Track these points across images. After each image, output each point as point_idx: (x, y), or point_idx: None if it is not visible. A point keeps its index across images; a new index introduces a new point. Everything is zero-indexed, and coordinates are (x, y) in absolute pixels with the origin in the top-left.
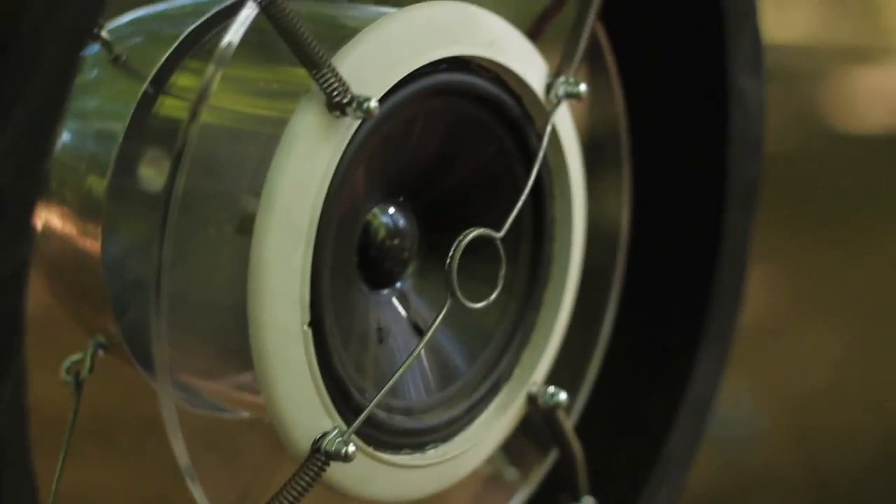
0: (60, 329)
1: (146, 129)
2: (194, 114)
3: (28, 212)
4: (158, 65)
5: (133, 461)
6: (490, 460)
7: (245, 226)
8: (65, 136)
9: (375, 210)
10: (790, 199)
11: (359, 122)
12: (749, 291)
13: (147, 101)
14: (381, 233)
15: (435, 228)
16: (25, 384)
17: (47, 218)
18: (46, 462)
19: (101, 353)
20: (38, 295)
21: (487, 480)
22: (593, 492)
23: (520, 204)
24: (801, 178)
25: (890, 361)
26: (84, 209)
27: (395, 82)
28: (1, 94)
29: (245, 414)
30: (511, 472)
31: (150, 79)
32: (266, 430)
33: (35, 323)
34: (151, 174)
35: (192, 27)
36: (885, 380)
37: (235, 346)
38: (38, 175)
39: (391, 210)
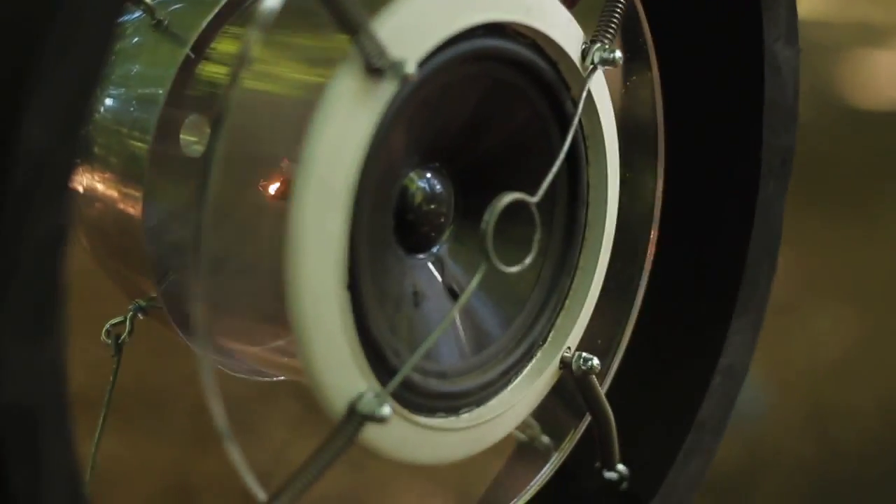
0: (81, 304)
1: (187, 93)
2: (234, 78)
3: (66, 175)
4: (200, 30)
5: (147, 434)
6: (524, 426)
7: (284, 190)
8: (108, 101)
9: (412, 175)
10: (802, 177)
11: (396, 86)
12: None
13: (188, 66)
14: (418, 197)
15: (471, 193)
16: (65, 346)
17: (91, 182)
18: None
19: (140, 316)
20: None
21: (521, 446)
22: (624, 458)
23: (555, 169)
24: (813, 155)
25: None
26: (126, 173)
27: (432, 47)
28: (42, 60)
29: (281, 377)
30: (545, 439)
31: (191, 43)
32: (301, 394)
33: None
34: (192, 138)
35: None
36: None
37: (273, 309)
38: (76, 139)
39: (428, 175)
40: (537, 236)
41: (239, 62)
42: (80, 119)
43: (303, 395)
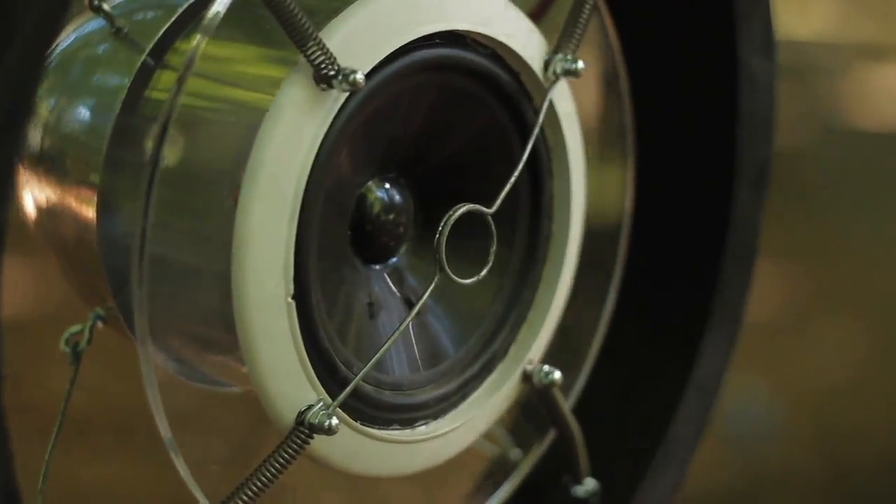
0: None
1: (143, 100)
2: (180, 85)
3: (6, 174)
4: (157, 37)
5: (154, 457)
6: (494, 440)
7: (232, 197)
8: (68, 110)
9: (370, 184)
10: (809, 196)
11: (346, 95)
12: (767, 288)
13: (145, 74)
14: (376, 207)
15: (432, 205)
16: (1, 344)
17: (50, 191)
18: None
19: (100, 324)
20: (54, 291)
21: (490, 461)
22: (596, 473)
23: (513, 179)
24: (820, 174)
25: None
26: (83, 182)
27: (385, 56)
28: None
29: (236, 388)
30: (515, 453)
31: (147, 51)
32: (254, 404)
33: (49, 318)
34: (145, 146)
35: (191, 0)
36: None
37: (224, 317)
38: (16, 138)
39: (387, 185)
40: (493, 247)
41: (184, 68)
42: (20, 118)
43: None
